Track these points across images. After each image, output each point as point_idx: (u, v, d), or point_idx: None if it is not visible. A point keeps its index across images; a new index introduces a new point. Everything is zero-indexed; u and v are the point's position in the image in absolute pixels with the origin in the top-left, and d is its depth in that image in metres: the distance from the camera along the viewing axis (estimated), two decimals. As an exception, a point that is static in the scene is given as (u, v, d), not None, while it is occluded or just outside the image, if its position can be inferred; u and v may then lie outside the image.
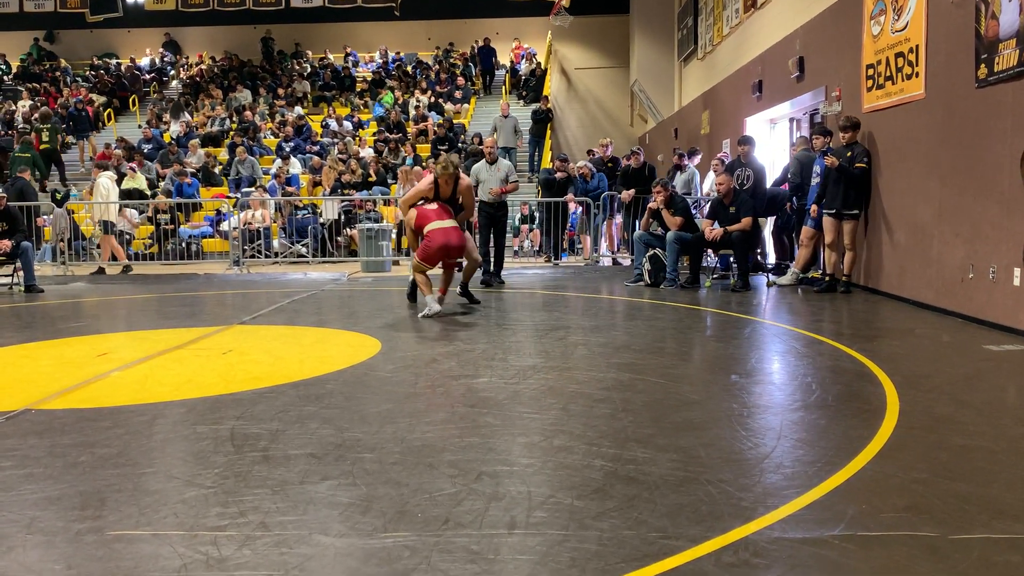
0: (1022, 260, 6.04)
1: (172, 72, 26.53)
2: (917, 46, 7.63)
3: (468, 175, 9.05)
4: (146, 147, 19.29)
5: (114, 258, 13.35)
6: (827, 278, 8.95)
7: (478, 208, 9.88)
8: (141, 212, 15.59)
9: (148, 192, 15.98)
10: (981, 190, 6.62)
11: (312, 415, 4.12)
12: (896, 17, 8.07)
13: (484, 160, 10.21)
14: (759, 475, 3.21)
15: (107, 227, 13.12)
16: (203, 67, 26.20)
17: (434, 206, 7.76)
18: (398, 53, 26.61)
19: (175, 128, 20.90)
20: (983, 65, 6.51)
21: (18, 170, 16.40)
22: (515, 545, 2.57)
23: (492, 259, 10.25)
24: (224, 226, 14.83)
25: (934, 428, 3.81)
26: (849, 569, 2.41)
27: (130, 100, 23.90)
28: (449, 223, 7.66)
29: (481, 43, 24.97)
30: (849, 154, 8.55)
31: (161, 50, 27.66)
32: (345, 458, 3.43)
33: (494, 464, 3.34)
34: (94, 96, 23.44)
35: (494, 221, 10.19)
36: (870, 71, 8.69)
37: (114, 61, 27.00)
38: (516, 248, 15.50)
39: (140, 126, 21.40)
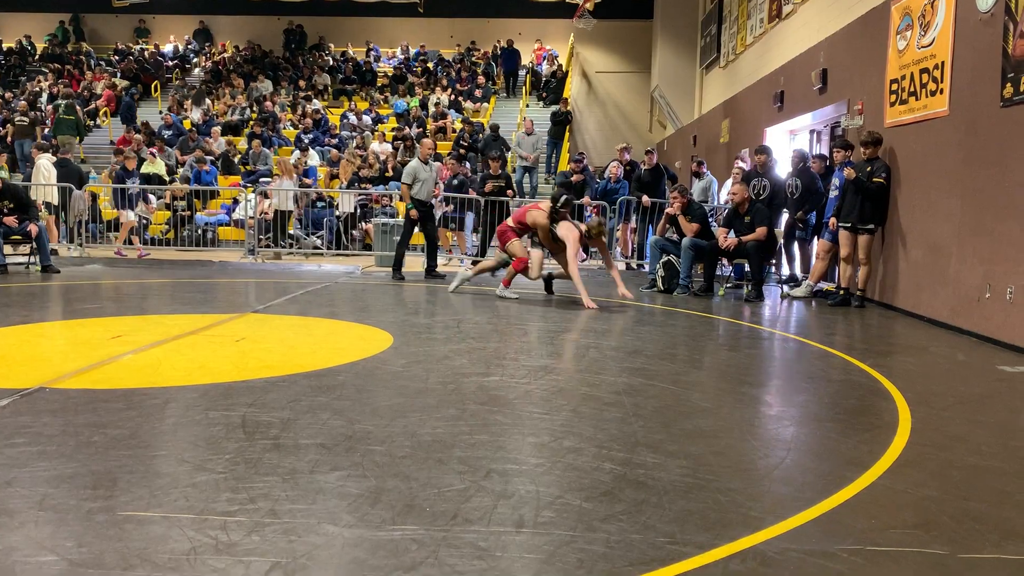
0: (1040, 282, 6.00)
1: (195, 59, 26.67)
2: (943, 62, 7.59)
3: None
4: (166, 133, 19.41)
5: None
6: (842, 292, 8.91)
7: (413, 205, 10.57)
8: (159, 198, 15.68)
9: (167, 178, 16.08)
10: (1002, 210, 6.57)
11: (323, 406, 4.14)
12: (923, 32, 8.03)
13: (417, 160, 10.75)
14: (769, 485, 3.20)
15: (50, 209, 13.22)
16: (226, 55, 26.33)
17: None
18: (422, 47, 26.63)
19: (195, 115, 21.01)
20: (1009, 84, 6.47)
21: (59, 134, 16.88)
22: (522, 544, 2.58)
23: (427, 255, 11.12)
24: (238, 213, 14.88)
25: (946, 446, 3.79)
26: (857, 583, 2.40)
27: (152, 86, 24.05)
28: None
29: (505, 44, 24.96)
30: (868, 169, 8.52)
31: (187, 37, 27.82)
32: (355, 450, 3.44)
33: (503, 462, 3.35)
34: (117, 81, 23.59)
35: (429, 218, 10.89)
36: (894, 86, 8.65)
37: (137, 47, 27.17)
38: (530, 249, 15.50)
39: (161, 112, 21.53)
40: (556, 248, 8.72)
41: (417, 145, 18.02)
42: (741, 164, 11.85)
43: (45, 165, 13.35)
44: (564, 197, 8.70)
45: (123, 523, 2.65)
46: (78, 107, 20.28)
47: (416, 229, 11.01)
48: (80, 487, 2.94)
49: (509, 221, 9.09)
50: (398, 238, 11.40)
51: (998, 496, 3.15)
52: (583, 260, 8.67)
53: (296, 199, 15.04)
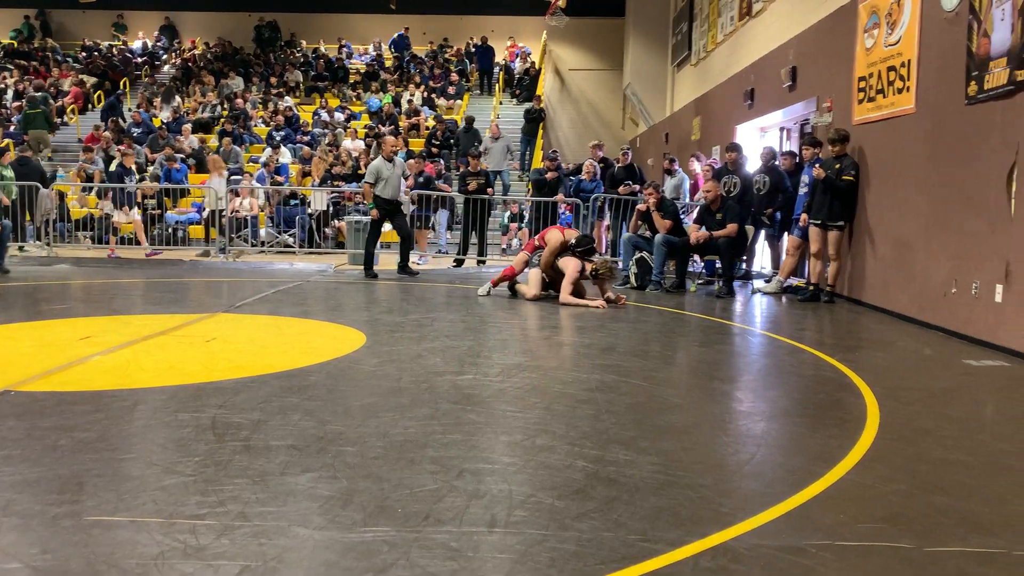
0: (1005, 277, 6.10)
1: (164, 56, 26.35)
2: (909, 61, 7.69)
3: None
4: (135, 131, 19.16)
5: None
6: (811, 287, 9.01)
7: (375, 204, 10.53)
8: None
9: (136, 176, 15.87)
10: (967, 206, 6.67)
11: (295, 406, 4.11)
12: (889, 31, 8.12)
13: (381, 158, 10.67)
14: (739, 481, 3.23)
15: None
16: (196, 52, 26.04)
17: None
18: (406, 29, 26.32)
19: (165, 113, 20.76)
20: (973, 82, 6.56)
21: (32, 129, 16.66)
22: (495, 543, 2.58)
23: (400, 251, 11.05)
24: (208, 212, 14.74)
25: (913, 440, 3.84)
26: (825, 577, 2.43)
27: (121, 83, 23.74)
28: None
29: (479, 42, 24.89)
30: (838, 166, 8.61)
31: (156, 33, 27.47)
32: (327, 451, 3.42)
33: (476, 462, 3.34)
34: (84, 77, 23.26)
35: (397, 214, 10.84)
36: (862, 84, 8.74)
37: (106, 44, 26.79)
38: (504, 246, 15.50)
39: (130, 109, 21.25)
40: (551, 274, 8.63)
41: (401, 143, 18.06)
42: (710, 162, 11.92)
43: None
44: (588, 247, 8.59)
45: (90, 528, 2.61)
46: (50, 100, 20.11)
47: (387, 227, 10.98)
48: (45, 492, 2.90)
49: (536, 238, 9.05)
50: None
51: (964, 490, 3.20)
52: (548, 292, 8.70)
53: (268, 197, 14.93)
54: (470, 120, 18.63)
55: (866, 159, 8.60)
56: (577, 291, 8.35)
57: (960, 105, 6.78)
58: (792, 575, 2.43)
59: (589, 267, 8.45)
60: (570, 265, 8.36)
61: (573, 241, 8.57)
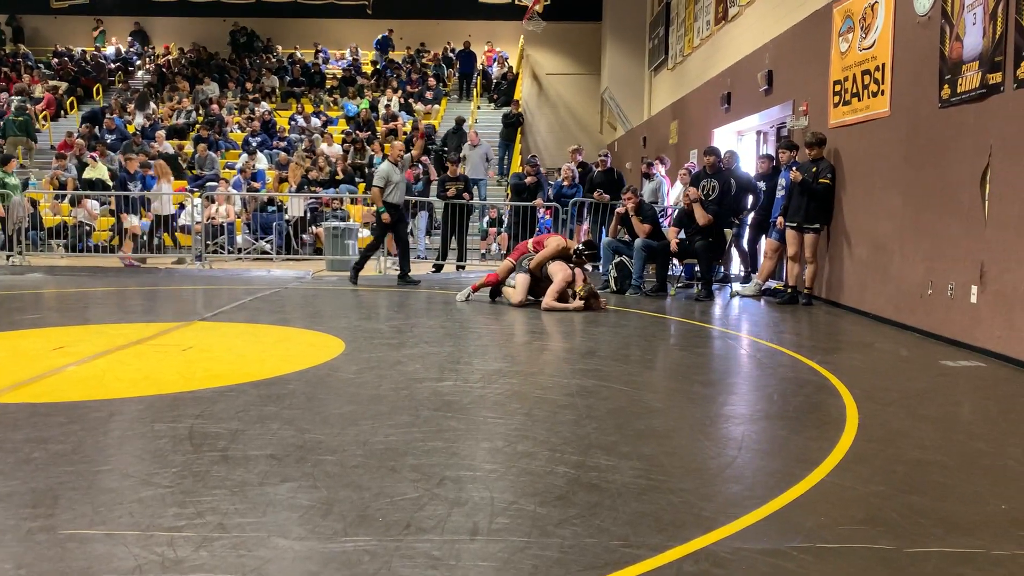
0: (979, 278, 6.17)
1: (138, 62, 26.12)
2: (883, 64, 7.77)
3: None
4: (109, 137, 18.97)
5: None
6: (789, 290, 9.07)
7: (385, 209, 10.28)
8: (102, 204, 15.31)
9: (110, 183, 15.71)
10: (942, 208, 6.75)
11: (273, 415, 4.07)
12: (864, 35, 8.20)
13: (388, 162, 10.50)
14: (720, 485, 3.24)
15: None
16: (170, 58, 25.84)
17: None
18: (390, 31, 26.23)
19: (139, 120, 20.57)
20: (946, 85, 6.64)
21: (11, 135, 16.54)
22: (477, 551, 2.56)
23: (400, 259, 10.81)
24: (184, 219, 14.61)
25: (892, 441, 3.87)
26: (807, 580, 2.44)
27: (94, 89, 23.50)
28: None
29: (461, 47, 24.82)
30: (814, 169, 8.68)
31: (130, 38, 27.22)
32: (306, 460, 3.39)
33: (457, 469, 3.33)
34: (57, 84, 23.01)
35: (401, 222, 10.65)
36: (837, 87, 8.82)
37: (78, 49, 26.51)
38: (483, 251, 15.49)
39: (102, 106, 21.03)
40: (539, 277, 8.56)
41: (379, 147, 17.99)
42: (688, 166, 11.98)
43: None
44: (589, 253, 8.67)
45: (65, 542, 2.57)
46: (30, 106, 19.87)
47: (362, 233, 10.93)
48: (19, 506, 2.85)
49: (530, 242, 8.94)
50: (352, 241, 11.28)
51: (941, 490, 3.22)
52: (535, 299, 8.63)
53: (244, 203, 14.83)
54: (460, 121, 18.67)
55: (842, 162, 8.68)
56: (560, 298, 8.34)
57: (934, 108, 6.85)
58: (774, 579, 2.43)
59: (579, 285, 8.33)
60: (560, 274, 8.33)
61: (580, 246, 8.59)
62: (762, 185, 10.03)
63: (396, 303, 8.88)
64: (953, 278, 6.54)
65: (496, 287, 8.87)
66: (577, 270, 8.51)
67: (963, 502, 3.09)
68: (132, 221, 13.53)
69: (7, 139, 18.32)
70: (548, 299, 8.27)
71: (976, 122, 6.25)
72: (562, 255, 8.48)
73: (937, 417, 4.38)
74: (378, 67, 25.05)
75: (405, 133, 19.58)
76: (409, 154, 11.61)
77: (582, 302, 8.18)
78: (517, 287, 8.56)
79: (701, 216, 9.64)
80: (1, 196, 13.00)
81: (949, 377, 5.43)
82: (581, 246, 8.72)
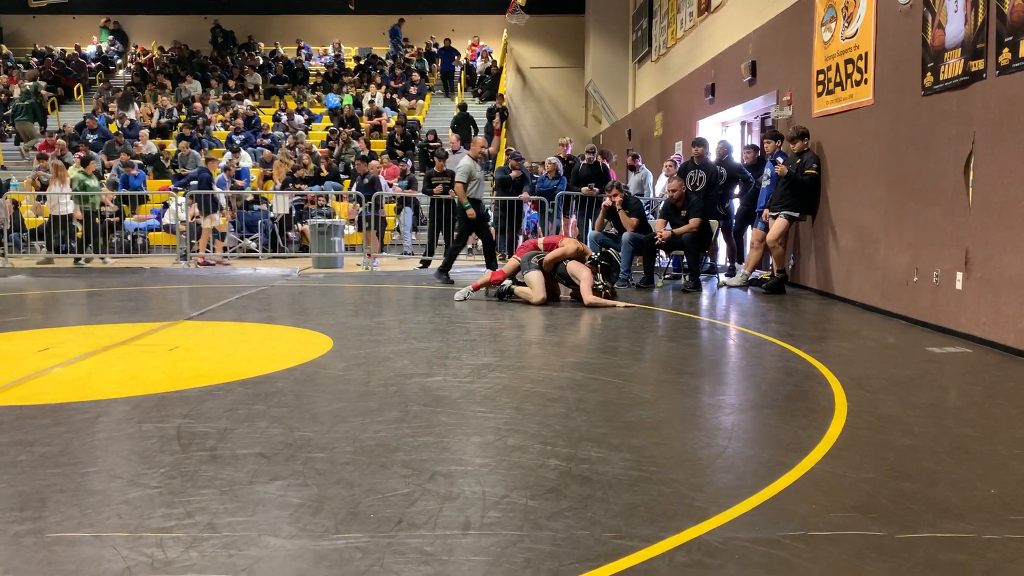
0: (964, 265, 6.20)
1: (119, 61, 25.90)
2: (866, 53, 7.78)
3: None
4: (91, 137, 18.81)
5: None
6: (779, 274, 9.11)
7: (470, 204, 9.95)
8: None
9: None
10: (926, 196, 6.77)
11: (261, 414, 4.05)
12: (846, 24, 8.22)
13: (469, 157, 10.15)
14: (711, 475, 3.24)
15: None
16: (152, 56, 25.63)
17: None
18: (401, 20, 25.97)
19: (131, 115, 20.40)
20: (929, 73, 6.66)
21: (18, 120, 16.69)
22: (469, 546, 2.55)
23: (486, 256, 10.45)
24: (168, 218, 14.51)
25: (881, 428, 3.88)
26: (800, 569, 2.44)
27: (75, 89, 23.29)
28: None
29: (441, 43, 24.73)
30: (799, 161, 8.73)
31: (111, 37, 26.96)
32: (295, 458, 3.37)
33: (448, 464, 3.31)
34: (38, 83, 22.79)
35: (483, 218, 10.26)
36: (820, 77, 8.84)
37: (58, 48, 26.26)
38: (470, 246, 15.46)
39: (85, 115, 20.87)
40: (550, 275, 8.44)
41: (354, 141, 17.91)
42: (673, 158, 12.01)
43: None
44: (606, 263, 8.54)
45: (52, 545, 2.54)
46: (43, 92, 19.87)
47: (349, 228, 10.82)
48: (5, 509, 2.82)
49: (540, 241, 8.80)
50: (337, 238, 11.18)
51: (931, 476, 3.24)
52: (555, 300, 8.47)
53: (229, 201, 14.73)
54: (464, 106, 18.75)
55: (826, 151, 8.71)
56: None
57: (917, 96, 6.88)
58: (767, 567, 2.44)
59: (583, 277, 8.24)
60: (584, 271, 8.21)
61: (596, 256, 8.43)
62: (724, 173, 10.12)
63: (383, 299, 8.85)
64: (938, 265, 6.57)
65: (509, 285, 8.59)
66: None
67: (953, 487, 3.11)
68: (216, 220, 13.47)
69: (15, 123, 18.36)
70: (589, 295, 8.08)
71: (959, 109, 6.27)
72: (579, 256, 8.36)
73: (925, 403, 4.40)
74: (392, 58, 24.84)
75: (389, 129, 19.51)
76: (487, 149, 11.23)
77: (621, 302, 8.15)
78: (534, 285, 8.28)
79: (626, 222, 9.72)
80: (83, 198, 12.98)
81: (936, 363, 5.46)
82: (597, 257, 8.47)
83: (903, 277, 7.13)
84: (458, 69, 24.78)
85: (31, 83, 19.91)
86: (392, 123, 19.81)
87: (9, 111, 19.62)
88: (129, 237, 14.47)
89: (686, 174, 10.46)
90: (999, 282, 5.81)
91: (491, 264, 10.42)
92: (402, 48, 25.43)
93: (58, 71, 23.89)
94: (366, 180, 13.44)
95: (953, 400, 4.64)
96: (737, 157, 11.28)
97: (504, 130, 20.67)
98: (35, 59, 25.13)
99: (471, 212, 9.99)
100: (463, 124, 18.96)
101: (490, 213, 14.99)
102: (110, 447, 3.58)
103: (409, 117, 20.61)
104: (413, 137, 19.30)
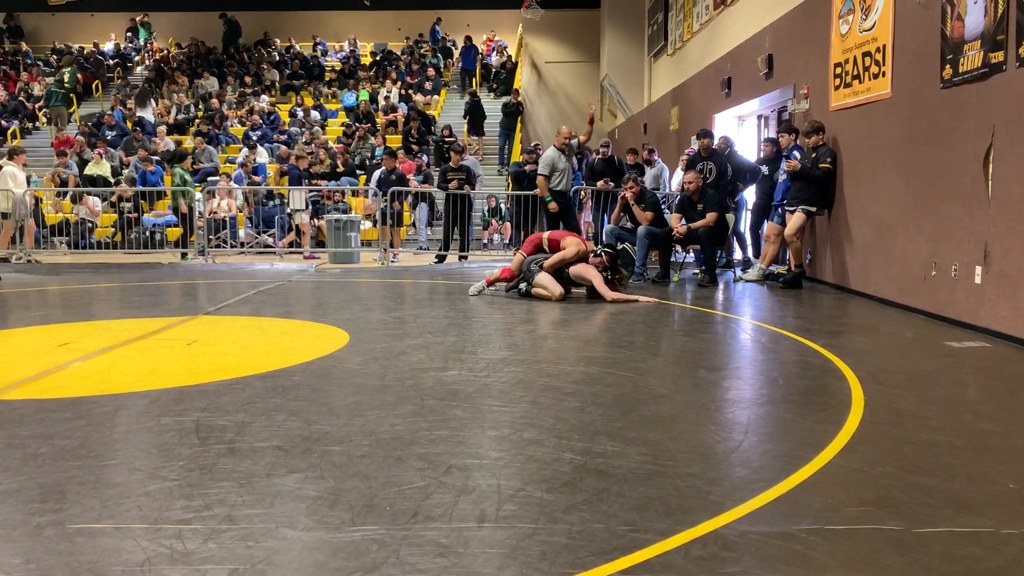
0: (983, 258, 6.15)
1: (137, 58, 26.07)
2: (884, 46, 7.72)
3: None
4: (110, 133, 18.97)
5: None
6: (796, 269, 9.07)
7: (552, 198, 9.62)
8: (104, 199, 15.32)
9: (111, 179, 15.72)
10: (945, 189, 6.72)
11: (279, 407, 4.08)
12: (864, 17, 8.16)
13: (555, 148, 9.81)
14: (727, 469, 3.23)
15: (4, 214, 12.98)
16: (170, 53, 25.78)
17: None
18: (438, 20, 25.95)
19: (147, 113, 20.57)
20: (948, 66, 6.60)
21: (53, 106, 17.39)
22: (485, 539, 2.56)
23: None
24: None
25: (898, 423, 3.86)
26: (816, 562, 2.43)
27: (93, 85, 23.47)
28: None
29: (463, 43, 24.59)
30: (814, 155, 8.69)
31: (128, 35, 27.14)
32: (312, 451, 3.39)
33: (464, 457, 3.33)
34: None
35: (569, 210, 10.00)
36: (838, 70, 8.78)
37: (76, 45, 26.47)
38: (485, 241, 15.48)
39: (100, 113, 21.04)
40: (555, 274, 8.30)
41: (371, 137, 17.95)
42: (688, 152, 11.96)
43: (11, 172, 12.95)
44: (611, 250, 8.46)
45: (73, 536, 2.57)
46: (79, 75, 20.47)
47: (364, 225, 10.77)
48: (27, 501, 2.86)
49: (545, 235, 8.67)
50: (354, 233, 11.14)
51: (949, 470, 3.22)
52: (568, 294, 8.34)
53: (246, 197, 14.83)
54: (473, 94, 18.95)
55: (844, 145, 8.65)
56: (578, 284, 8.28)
57: (936, 89, 6.82)
58: (782, 560, 2.43)
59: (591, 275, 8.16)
60: (590, 271, 8.11)
61: (606, 260, 8.25)
62: (765, 169, 10.02)
63: (399, 294, 8.88)
64: (957, 259, 6.52)
65: (518, 282, 8.55)
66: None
67: (971, 482, 3.09)
68: (303, 218, 13.60)
69: (50, 107, 18.87)
70: (608, 291, 8.00)
71: (978, 102, 6.22)
72: (582, 258, 8.24)
73: (943, 398, 4.37)
74: (435, 56, 24.83)
75: (407, 124, 19.54)
76: (576, 140, 10.83)
77: (643, 296, 8.12)
78: (548, 285, 8.14)
79: (641, 216, 9.65)
80: (182, 193, 13.16)
81: (955, 358, 5.42)
82: (601, 250, 8.37)
83: (921, 271, 7.08)
84: (477, 65, 24.75)
85: (69, 68, 20.43)
86: (413, 118, 19.80)
87: (40, 101, 20.21)
88: (147, 232, 14.59)
89: (695, 166, 10.43)
90: (1019, 276, 5.76)
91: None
92: (438, 46, 25.37)
93: (77, 68, 24.07)
94: (393, 176, 13.39)
95: (972, 395, 4.61)
96: (754, 152, 11.24)
97: (519, 126, 20.66)
98: (54, 56, 25.34)
99: (553, 206, 9.64)
100: (474, 112, 19.08)
101: (503, 207, 15.00)
102: (130, 440, 3.61)
103: (425, 112, 20.64)
104: (429, 132, 19.32)
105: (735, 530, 2.63)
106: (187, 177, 13.40)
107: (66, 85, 19.94)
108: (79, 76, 20.93)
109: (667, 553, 2.47)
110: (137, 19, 26.89)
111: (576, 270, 8.20)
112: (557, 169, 9.69)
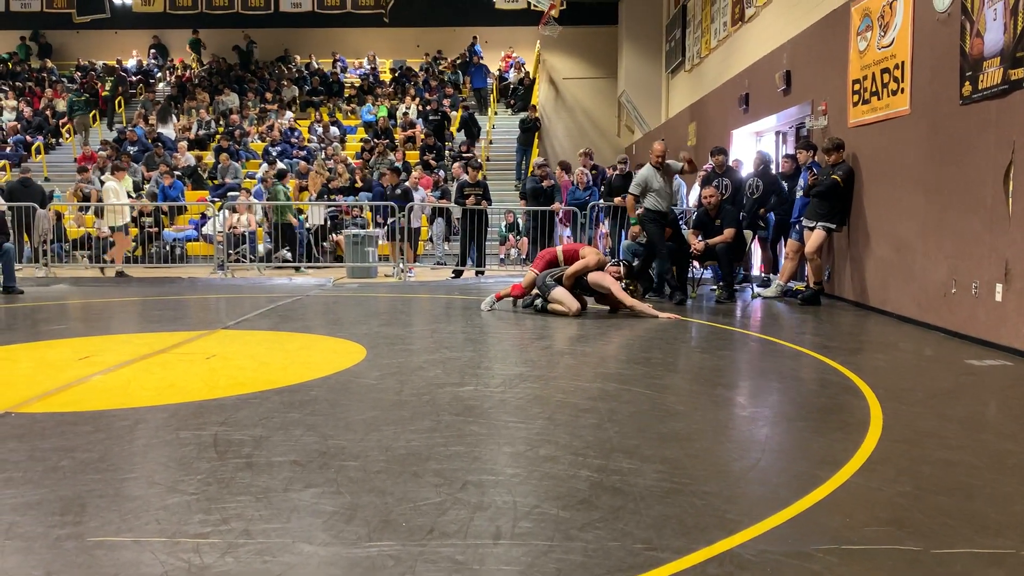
0: (1004, 276, 6.10)
1: (159, 74, 26.39)
2: (903, 62, 7.70)
3: None
4: (131, 149, 19.19)
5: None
6: (815, 286, 9.02)
7: (636, 220, 9.42)
8: (115, 229, 15.48)
9: (133, 194, 15.90)
10: (965, 206, 6.68)
11: (296, 422, 4.10)
12: (882, 33, 8.14)
13: (650, 165, 9.51)
14: (744, 487, 3.22)
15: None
16: (192, 70, 26.07)
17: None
18: (474, 38, 25.99)
19: (168, 129, 20.82)
20: (967, 82, 6.58)
21: (77, 117, 18.07)
22: (500, 555, 2.56)
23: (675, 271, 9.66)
24: (207, 228, 14.75)
25: (917, 442, 3.83)
26: (833, 582, 2.42)
27: (116, 102, 23.77)
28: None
29: (474, 63, 24.67)
30: (832, 173, 8.68)
31: (152, 51, 27.47)
32: (329, 466, 3.41)
33: (479, 473, 3.33)
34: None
35: (672, 226, 9.51)
36: (856, 86, 8.76)
37: (100, 62, 26.83)
38: (502, 256, 15.51)
39: (126, 128, 21.30)
40: (571, 287, 8.31)
41: (391, 152, 18.06)
42: (706, 168, 11.94)
43: (113, 187, 13.61)
44: (632, 276, 8.43)
45: (93, 549, 2.60)
46: (119, 87, 21.46)
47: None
48: (48, 513, 2.89)
49: (558, 249, 8.70)
50: (372, 248, 11.17)
51: (969, 490, 3.19)
52: (584, 309, 8.34)
53: (265, 212, 14.94)
54: (467, 107, 18.96)
55: (863, 161, 8.62)
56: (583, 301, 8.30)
57: (955, 105, 6.79)
58: (800, 581, 2.42)
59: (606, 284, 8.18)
60: (607, 279, 8.13)
61: (621, 270, 8.33)
62: (785, 186, 10.01)
63: (415, 309, 8.90)
64: (977, 276, 6.47)
65: (533, 298, 8.54)
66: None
67: (992, 503, 3.06)
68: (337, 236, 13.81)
69: (75, 117, 19.47)
70: (627, 300, 8.04)
71: (998, 118, 6.18)
72: (600, 267, 8.26)
73: (963, 417, 4.33)
74: (454, 72, 24.97)
75: (422, 140, 19.65)
76: (684, 155, 10.00)
77: (664, 313, 8.10)
78: (564, 300, 8.12)
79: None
80: (280, 210, 13.49)
81: (975, 376, 5.37)
82: (620, 269, 8.38)
83: (941, 288, 7.02)
84: (489, 81, 24.82)
85: (112, 78, 22.55)
86: (428, 133, 19.90)
87: (64, 117, 20.83)
88: (167, 247, 14.73)
89: (711, 182, 10.41)
90: (1040, 294, 5.70)
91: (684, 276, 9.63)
92: (472, 63, 25.45)
93: (100, 85, 24.40)
94: (398, 191, 13.47)
95: (992, 414, 4.56)
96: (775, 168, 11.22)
97: (536, 141, 20.71)
98: (78, 73, 25.69)
99: (635, 229, 9.42)
100: (528, 131, 19.12)
101: (520, 222, 15.01)
102: (148, 454, 3.64)
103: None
104: (446, 148, 19.41)
105: (752, 549, 2.62)
106: (289, 194, 13.59)
107: (83, 98, 20.98)
108: (118, 87, 22.64)
109: (683, 572, 2.46)
110: (190, 35, 27.25)
111: (594, 277, 8.25)
112: (651, 188, 9.25)
